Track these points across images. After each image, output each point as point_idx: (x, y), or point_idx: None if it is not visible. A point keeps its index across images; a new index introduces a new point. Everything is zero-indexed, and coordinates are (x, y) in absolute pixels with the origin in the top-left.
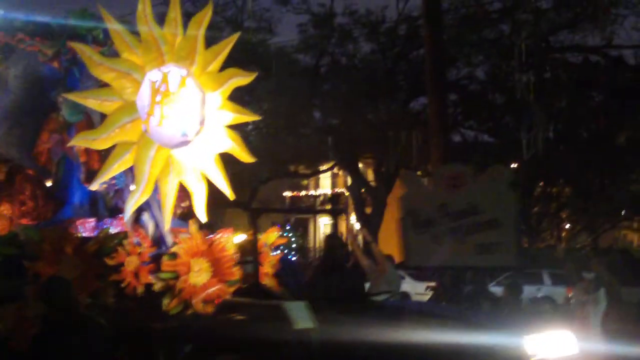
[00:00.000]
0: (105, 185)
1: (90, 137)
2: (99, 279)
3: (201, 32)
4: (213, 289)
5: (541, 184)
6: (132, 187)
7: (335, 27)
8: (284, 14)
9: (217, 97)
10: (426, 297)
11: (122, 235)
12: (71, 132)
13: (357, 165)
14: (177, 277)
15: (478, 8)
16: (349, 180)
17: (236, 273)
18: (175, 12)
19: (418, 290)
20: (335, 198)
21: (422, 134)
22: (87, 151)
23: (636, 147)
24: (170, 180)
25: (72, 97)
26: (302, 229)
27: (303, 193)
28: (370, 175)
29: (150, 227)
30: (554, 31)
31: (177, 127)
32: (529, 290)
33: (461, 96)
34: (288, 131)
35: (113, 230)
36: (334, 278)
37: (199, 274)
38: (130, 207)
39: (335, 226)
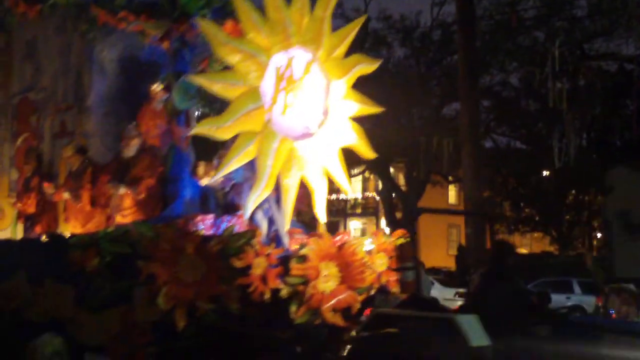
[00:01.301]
0: (220, 179)
1: (214, 125)
2: (223, 282)
3: (328, 14)
4: (342, 296)
5: (573, 192)
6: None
7: (369, 32)
8: None
9: (342, 86)
10: (455, 303)
11: (250, 233)
12: (180, 120)
13: (389, 169)
14: (306, 283)
15: (512, 15)
16: (380, 185)
17: (367, 280)
18: None
19: (447, 296)
20: None
21: (454, 140)
22: None
23: None
24: (293, 176)
25: (197, 79)
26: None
27: (334, 197)
28: (401, 180)
29: (264, 226)
30: (588, 39)
31: (300, 118)
32: (558, 299)
33: (494, 102)
34: None
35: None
36: (503, 287)
37: (327, 280)
38: (251, 204)
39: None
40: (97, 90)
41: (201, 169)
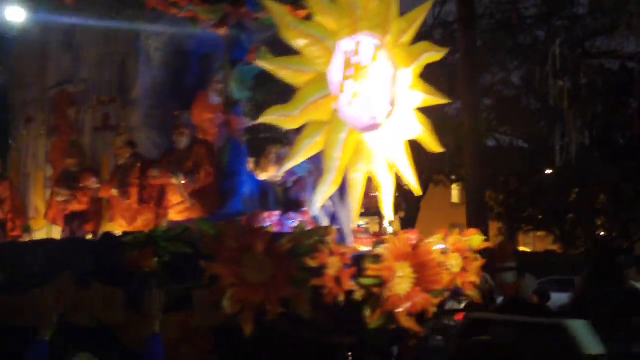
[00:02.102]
0: (282, 174)
1: (281, 113)
2: (294, 283)
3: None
4: (417, 299)
5: (576, 190)
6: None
7: None
8: None
9: (409, 75)
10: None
11: (324, 230)
12: (237, 111)
13: None
14: (381, 284)
15: (513, 13)
16: None
17: (443, 281)
18: None
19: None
20: None
21: (456, 138)
22: None
23: None
24: (360, 170)
25: (264, 64)
26: None
27: None
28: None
29: (325, 224)
30: (590, 37)
31: (367, 108)
32: (560, 298)
33: (496, 101)
34: None
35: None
36: (613, 288)
37: (401, 281)
38: (318, 200)
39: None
40: (143, 82)
41: (252, 164)
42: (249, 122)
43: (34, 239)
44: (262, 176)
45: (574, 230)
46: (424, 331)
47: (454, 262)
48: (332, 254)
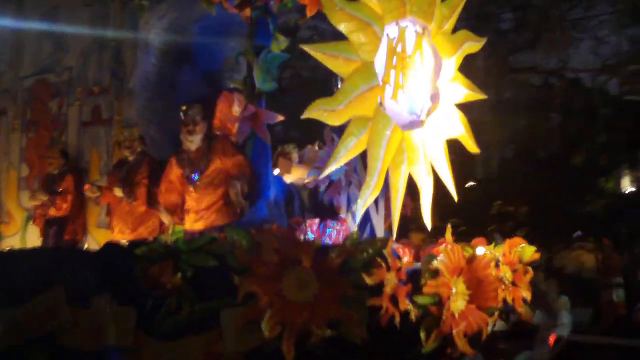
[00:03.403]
0: (312, 177)
1: (328, 107)
2: (345, 303)
3: None
4: (472, 318)
5: (498, 202)
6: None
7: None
8: None
9: (452, 66)
10: None
11: (381, 242)
12: (262, 104)
13: None
14: (439, 303)
15: None
16: None
17: (497, 298)
18: None
19: None
20: None
21: None
22: None
23: (591, 169)
24: (403, 172)
25: (309, 48)
26: None
27: None
28: None
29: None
30: (514, 51)
31: (409, 102)
32: None
33: None
34: None
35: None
36: None
37: (456, 298)
38: (361, 206)
39: None
40: (141, 71)
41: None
42: (276, 117)
43: (4, 246)
44: (287, 178)
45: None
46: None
47: (507, 276)
48: (390, 269)
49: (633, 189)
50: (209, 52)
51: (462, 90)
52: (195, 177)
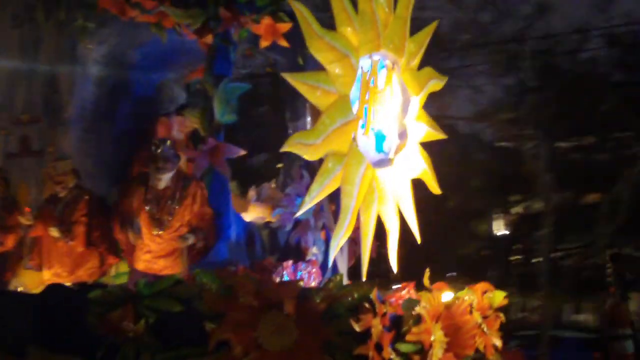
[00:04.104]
0: (278, 216)
1: (305, 141)
2: (328, 351)
3: (409, 13)
4: None
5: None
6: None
7: None
8: None
9: (417, 104)
10: None
11: (367, 286)
12: (220, 136)
13: None
14: (421, 350)
15: None
16: None
17: (474, 346)
18: None
19: None
20: None
21: None
22: None
23: (466, 212)
24: (374, 211)
25: (290, 78)
26: None
27: None
28: None
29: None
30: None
31: (379, 139)
32: None
33: None
34: None
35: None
36: None
37: (435, 346)
38: (334, 247)
39: None
40: (79, 99)
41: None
42: (238, 151)
43: None
44: (246, 217)
45: None
46: None
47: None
48: (375, 314)
49: (506, 232)
50: (145, 80)
51: (424, 129)
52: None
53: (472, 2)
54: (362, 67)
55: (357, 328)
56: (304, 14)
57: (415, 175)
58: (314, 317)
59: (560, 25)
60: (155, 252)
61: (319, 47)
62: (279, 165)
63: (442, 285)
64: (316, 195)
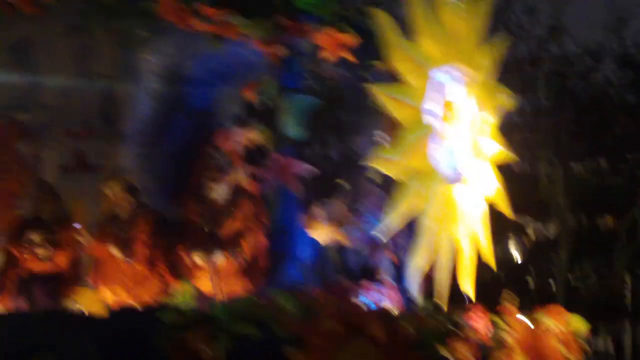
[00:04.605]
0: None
1: (389, 156)
2: None
3: (483, 24)
4: None
5: None
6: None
7: None
8: None
9: (488, 119)
10: None
11: (457, 312)
12: (289, 152)
13: None
14: None
15: None
16: None
17: None
18: None
19: None
20: None
21: None
22: None
23: None
24: (450, 232)
25: (377, 90)
26: None
27: None
28: None
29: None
30: None
31: (452, 157)
32: None
33: None
34: None
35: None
36: None
37: None
38: (414, 268)
39: None
40: (138, 113)
41: None
42: (310, 170)
43: None
44: (317, 237)
45: None
46: None
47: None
48: (467, 341)
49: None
50: (203, 93)
51: (495, 147)
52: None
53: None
54: (438, 80)
55: (449, 356)
56: (386, 22)
57: (489, 195)
58: (402, 345)
59: (574, 47)
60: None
61: (399, 58)
62: (339, 181)
63: (513, 309)
64: (397, 213)
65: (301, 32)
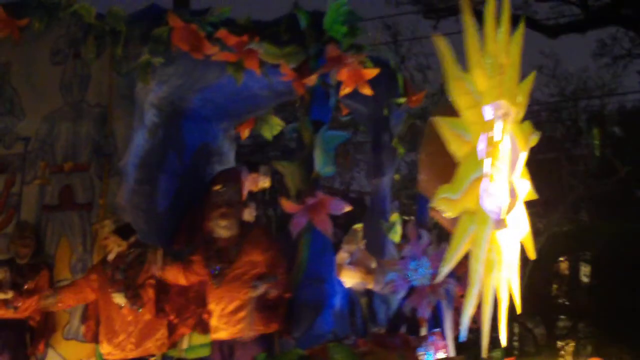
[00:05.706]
0: (391, 282)
1: (451, 195)
2: None
3: (520, 62)
4: None
5: None
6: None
7: None
8: None
9: (523, 159)
10: None
11: None
12: (318, 187)
13: None
14: None
15: None
16: None
17: None
18: (505, 22)
19: None
20: None
21: None
22: None
23: None
24: (494, 277)
25: (440, 122)
26: None
27: None
28: None
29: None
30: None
31: (494, 198)
32: None
33: None
34: None
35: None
36: None
37: None
38: (466, 318)
39: None
40: (135, 146)
41: None
42: (344, 206)
43: None
44: (346, 283)
45: None
46: None
47: None
48: None
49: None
50: (201, 128)
51: (527, 186)
52: (217, 269)
53: None
54: (487, 117)
55: None
56: (446, 50)
57: (521, 238)
58: None
59: None
60: (219, 314)
61: (459, 91)
62: (357, 227)
63: None
64: (453, 259)
65: (339, 62)
